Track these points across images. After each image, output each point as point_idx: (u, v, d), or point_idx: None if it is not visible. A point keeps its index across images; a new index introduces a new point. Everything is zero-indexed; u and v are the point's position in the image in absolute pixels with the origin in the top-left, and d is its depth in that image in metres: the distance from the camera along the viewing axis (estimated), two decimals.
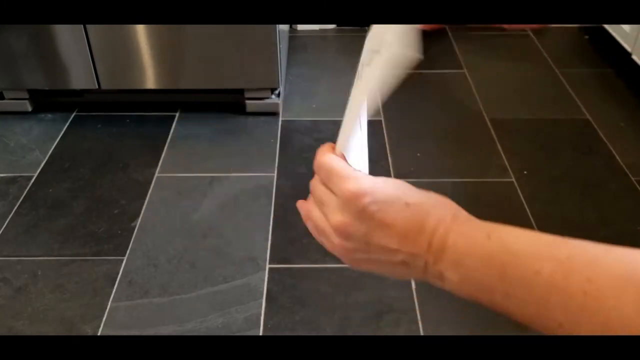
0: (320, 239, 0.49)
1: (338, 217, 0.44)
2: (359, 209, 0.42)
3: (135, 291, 1.36)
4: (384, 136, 1.86)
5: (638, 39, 2.01)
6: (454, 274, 0.40)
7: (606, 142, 1.84)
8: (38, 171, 1.72)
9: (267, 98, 1.95)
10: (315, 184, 0.49)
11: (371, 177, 0.44)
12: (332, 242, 0.46)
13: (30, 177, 1.70)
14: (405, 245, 0.41)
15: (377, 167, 1.73)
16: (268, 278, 1.39)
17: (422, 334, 1.26)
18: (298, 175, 1.70)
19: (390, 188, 0.43)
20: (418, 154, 1.79)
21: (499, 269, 0.39)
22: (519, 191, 1.64)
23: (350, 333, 1.27)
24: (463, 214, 0.42)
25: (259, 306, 1.32)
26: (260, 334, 1.27)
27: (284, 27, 2.17)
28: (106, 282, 1.38)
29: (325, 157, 0.47)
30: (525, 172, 1.71)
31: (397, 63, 0.46)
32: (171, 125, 1.92)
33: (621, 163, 1.75)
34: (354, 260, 0.45)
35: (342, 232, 0.44)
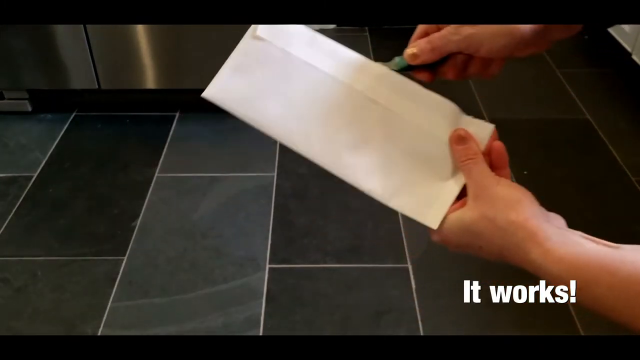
0: None
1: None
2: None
3: (135, 291, 1.36)
4: None
5: (638, 39, 2.01)
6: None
7: (606, 142, 1.84)
8: (38, 171, 1.72)
9: None
10: None
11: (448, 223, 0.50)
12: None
13: (30, 177, 1.70)
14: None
15: None
16: (268, 278, 1.39)
17: (422, 334, 1.26)
18: (298, 175, 1.70)
19: (459, 236, 0.50)
20: None
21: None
22: None
23: (350, 333, 1.27)
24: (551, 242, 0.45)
25: (259, 306, 1.32)
26: (260, 334, 1.26)
27: None
28: (106, 282, 1.38)
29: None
30: (525, 172, 1.71)
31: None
32: (171, 125, 1.92)
33: (621, 163, 1.75)
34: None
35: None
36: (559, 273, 0.42)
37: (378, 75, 0.53)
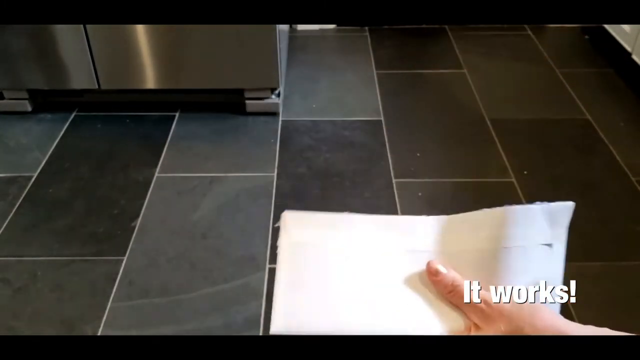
0: None
1: None
2: None
3: (135, 291, 1.36)
4: (384, 136, 1.86)
5: (638, 39, 2.01)
6: None
7: (606, 142, 1.84)
8: (38, 171, 1.72)
9: (267, 98, 1.95)
10: None
11: None
12: None
13: (30, 177, 1.70)
14: None
15: (377, 167, 1.73)
16: (268, 278, 1.39)
17: None
18: (298, 175, 1.70)
19: None
20: (418, 154, 1.79)
21: None
22: (519, 191, 1.64)
23: None
24: None
25: (259, 306, 1.32)
26: (260, 334, 1.26)
27: (284, 27, 2.17)
28: (106, 282, 1.38)
29: None
30: (525, 172, 1.71)
31: None
32: (171, 125, 1.92)
33: (621, 163, 1.75)
34: None
35: None
36: None
37: (431, 230, 0.50)
